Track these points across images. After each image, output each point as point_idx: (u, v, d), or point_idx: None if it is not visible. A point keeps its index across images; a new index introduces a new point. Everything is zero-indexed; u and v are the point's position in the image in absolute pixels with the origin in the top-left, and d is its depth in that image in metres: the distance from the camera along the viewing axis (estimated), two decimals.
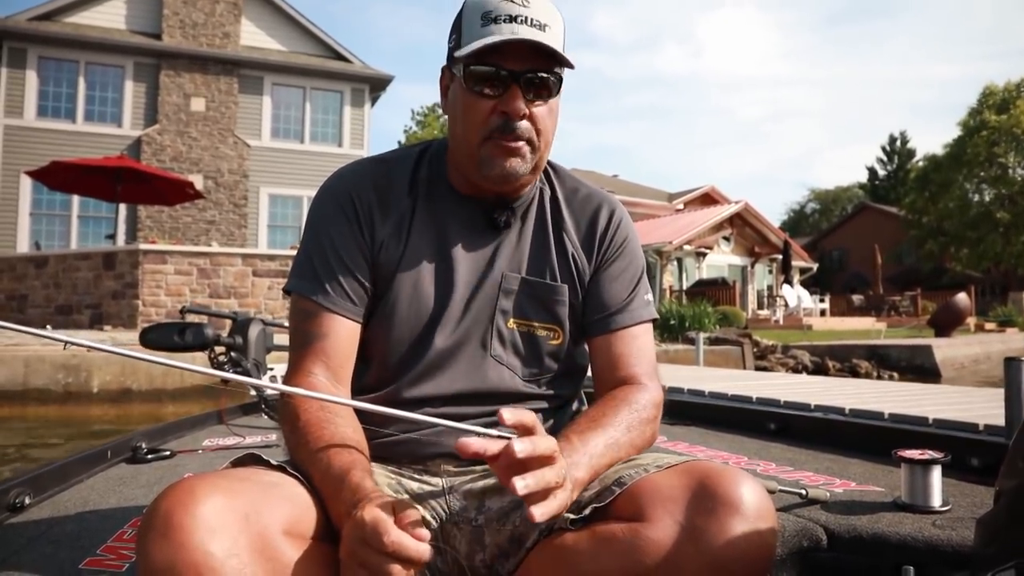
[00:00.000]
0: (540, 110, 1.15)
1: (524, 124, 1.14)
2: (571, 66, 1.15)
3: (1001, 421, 2.55)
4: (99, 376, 8.02)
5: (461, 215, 1.24)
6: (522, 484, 0.84)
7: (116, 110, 17.96)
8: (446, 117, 1.26)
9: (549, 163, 1.32)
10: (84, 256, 12.16)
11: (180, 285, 11.49)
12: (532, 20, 1.10)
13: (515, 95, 1.12)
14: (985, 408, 3.20)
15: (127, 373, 8.13)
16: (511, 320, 1.23)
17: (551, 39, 1.11)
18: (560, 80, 1.16)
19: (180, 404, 8.03)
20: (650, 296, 1.31)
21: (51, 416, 7.40)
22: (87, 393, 7.94)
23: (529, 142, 1.15)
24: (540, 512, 0.86)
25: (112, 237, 14.54)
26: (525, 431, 0.88)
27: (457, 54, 1.13)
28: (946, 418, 2.93)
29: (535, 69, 1.12)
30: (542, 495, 0.87)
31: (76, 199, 16.83)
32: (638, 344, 1.26)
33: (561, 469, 0.90)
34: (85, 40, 17.31)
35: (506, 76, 1.11)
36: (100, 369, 8.02)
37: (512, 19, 1.10)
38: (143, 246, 11.82)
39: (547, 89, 1.14)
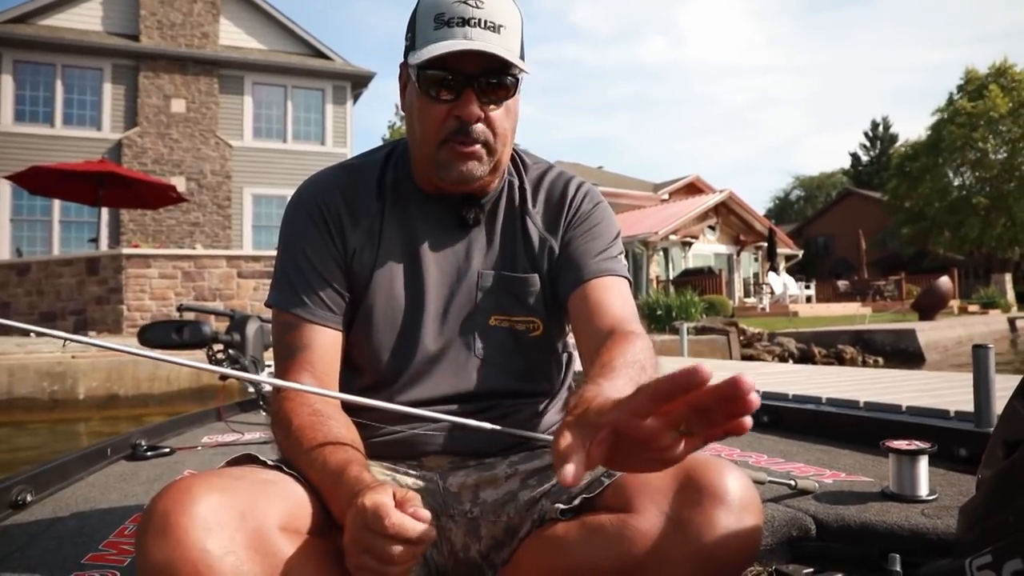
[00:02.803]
0: (496, 113, 1.14)
1: (480, 127, 1.13)
2: (525, 71, 1.14)
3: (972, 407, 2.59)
4: (85, 382, 7.96)
5: (430, 215, 1.24)
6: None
7: (95, 113, 17.77)
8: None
9: (517, 153, 1.32)
10: (67, 262, 12.04)
11: (165, 289, 11.41)
12: (486, 22, 1.09)
13: (469, 100, 1.11)
14: (959, 394, 3.24)
15: (113, 379, 8.07)
16: (492, 317, 1.23)
17: (506, 40, 1.11)
18: (517, 81, 1.15)
19: (168, 408, 7.98)
20: (623, 259, 1.29)
21: (39, 424, 7.36)
22: (73, 400, 7.87)
23: (486, 144, 1.15)
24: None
25: (95, 241, 14.40)
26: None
27: (410, 59, 1.13)
28: (919, 405, 2.98)
29: (489, 73, 1.11)
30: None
31: (57, 204, 16.66)
32: (615, 293, 1.21)
33: None
34: (61, 43, 17.10)
35: (460, 81, 1.11)
36: (86, 375, 7.96)
37: (464, 22, 1.09)
38: (126, 250, 11.71)
39: (502, 92, 1.14)
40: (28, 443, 6.60)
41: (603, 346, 1.07)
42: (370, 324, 1.21)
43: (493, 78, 1.12)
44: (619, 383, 0.91)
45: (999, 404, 2.45)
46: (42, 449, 6.31)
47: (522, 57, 1.16)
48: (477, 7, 1.10)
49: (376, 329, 1.21)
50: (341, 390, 1.19)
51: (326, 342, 1.18)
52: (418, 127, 1.17)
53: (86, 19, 17.91)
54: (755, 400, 0.64)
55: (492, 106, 1.14)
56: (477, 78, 1.11)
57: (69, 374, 7.90)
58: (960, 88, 34.51)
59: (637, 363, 0.99)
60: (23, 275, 12.19)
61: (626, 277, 1.27)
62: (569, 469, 0.69)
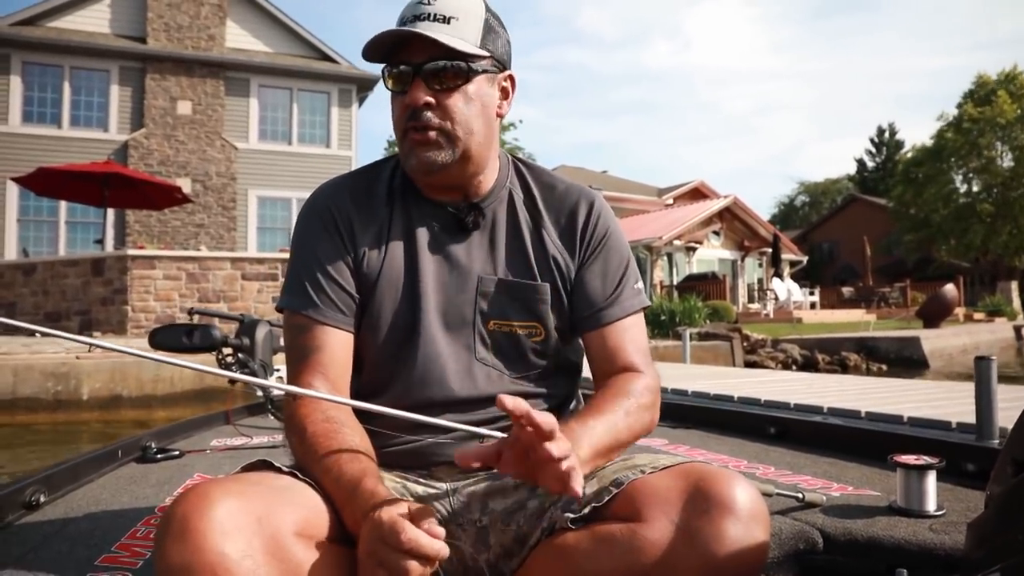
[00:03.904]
0: (451, 99, 1.17)
1: (430, 114, 1.16)
2: (456, 53, 1.15)
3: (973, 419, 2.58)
4: (89, 383, 7.97)
5: (433, 220, 1.27)
6: (555, 448, 0.87)
7: (102, 115, 17.83)
8: None
9: (522, 162, 1.35)
10: (72, 263, 12.09)
11: (169, 290, 11.43)
12: (434, 15, 1.15)
13: (415, 87, 1.16)
14: (961, 405, 3.22)
15: (117, 380, 8.08)
16: (491, 322, 1.25)
17: (456, 30, 1.15)
18: (469, 67, 1.17)
19: (171, 410, 7.99)
20: (640, 284, 1.32)
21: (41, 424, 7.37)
22: (77, 401, 7.89)
23: (441, 130, 1.17)
24: (577, 485, 0.89)
25: (101, 242, 14.45)
26: (527, 418, 0.88)
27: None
28: (921, 416, 2.97)
29: (435, 58, 1.15)
30: (567, 473, 0.89)
31: (64, 205, 16.73)
32: (630, 335, 1.26)
33: (570, 447, 0.91)
34: (69, 45, 17.16)
35: (408, 71, 1.16)
36: (90, 376, 7.97)
37: (415, 18, 1.15)
38: (131, 251, 11.75)
39: (453, 77, 1.16)
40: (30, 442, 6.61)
41: (606, 383, 1.22)
42: (376, 327, 1.22)
43: (440, 63, 1.15)
44: (591, 426, 1.09)
45: (1001, 416, 2.46)
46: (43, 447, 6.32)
47: (491, 47, 1.19)
48: (428, 4, 1.16)
49: (381, 332, 1.22)
50: (349, 392, 1.21)
51: (338, 344, 1.19)
52: (393, 125, 1.23)
53: (94, 21, 17.97)
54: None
55: (445, 93, 1.16)
56: (422, 66, 1.15)
57: (73, 375, 7.92)
58: (970, 93, 34.37)
59: (621, 409, 1.15)
60: (29, 275, 12.23)
61: (642, 307, 1.31)
62: (464, 452, 0.90)
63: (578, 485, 0.88)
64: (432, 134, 1.17)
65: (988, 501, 0.97)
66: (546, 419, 0.87)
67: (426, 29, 1.13)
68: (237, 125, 18.91)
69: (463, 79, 1.17)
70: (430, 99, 1.15)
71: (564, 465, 0.88)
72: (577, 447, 1.00)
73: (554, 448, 0.87)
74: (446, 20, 1.15)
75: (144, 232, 17.63)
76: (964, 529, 1.35)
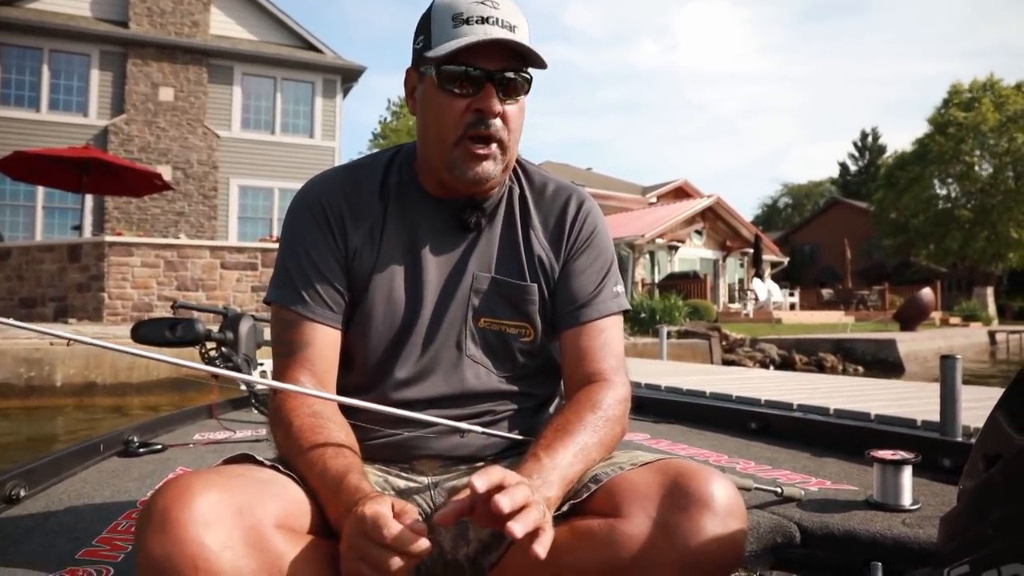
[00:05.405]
0: (511, 109, 1.18)
1: (497, 122, 1.16)
2: (544, 66, 1.17)
3: (938, 416, 2.62)
4: (62, 370, 7.88)
5: (432, 218, 1.25)
6: (519, 527, 0.86)
7: (82, 99, 17.59)
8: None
9: (518, 161, 1.33)
10: (48, 248, 11.94)
11: (147, 278, 11.32)
12: (502, 21, 1.13)
13: (489, 94, 1.14)
14: (928, 404, 3.28)
15: (91, 366, 8.00)
16: (482, 319, 1.25)
17: (520, 39, 1.14)
18: (530, 80, 1.18)
19: (146, 397, 7.92)
20: (620, 288, 1.32)
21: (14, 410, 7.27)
22: (50, 387, 7.80)
23: (500, 142, 1.17)
24: (541, 547, 0.89)
25: (78, 228, 14.29)
26: (499, 490, 0.89)
27: (430, 54, 1.14)
28: (887, 414, 3.02)
29: (508, 68, 1.14)
30: (535, 535, 0.89)
31: (41, 190, 16.49)
32: (605, 337, 1.26)
33: (539, 509, 0.91)
34: (49, 27, 16.91)
35: (480, 75, 1.14)
36: (63, 363, 7.88)
37: (483, 20, 1.13)
38: (109, 238, 11.63)
39: (519, 88, 1.17)
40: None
41: (575, 396, 1.20)
42: (368, 324, 1.22)
43: (512, 73, 1.15)
44: (560, 456, 1.06)
45: (965, 415, 2.50)
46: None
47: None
48: (494, 7, 1.14)
49: (374, 329, 1.22)
50: (336, 389, 1.21)
51: (325, 340, 1.19)
52: (433, 125, 1.18)
53: (75, 4, 17.72)
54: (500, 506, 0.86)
55: (509, 102, 1.17)
56: (497, 73, 1.14)
57: (46, 360, 7.83)
58: (946, 102, 34.75)
59: (589, 428, 1.13)
60: (4, 260, 12.06)
61: (621, 310, 1.30)
62: (443, 512, 0.89)
63: (542, 547, 0.88)
64: (494, 146, 1.17)
65: (960, 496, 0.99)
66: (512, 497, 0.87)
67: (500, 36, 1.12)
68: (220, 113, 18.73)
69: (525, 90, 1.18)
70: (501, 108, 1.15)
71: (532, 529, 0.88)
72: (547, 487, 1.01)
73: (517, 529, 0.86)
74: (511, 28, 1.14)
75: (123, 219, 17.44)
76: (938, 523, 1.38)
